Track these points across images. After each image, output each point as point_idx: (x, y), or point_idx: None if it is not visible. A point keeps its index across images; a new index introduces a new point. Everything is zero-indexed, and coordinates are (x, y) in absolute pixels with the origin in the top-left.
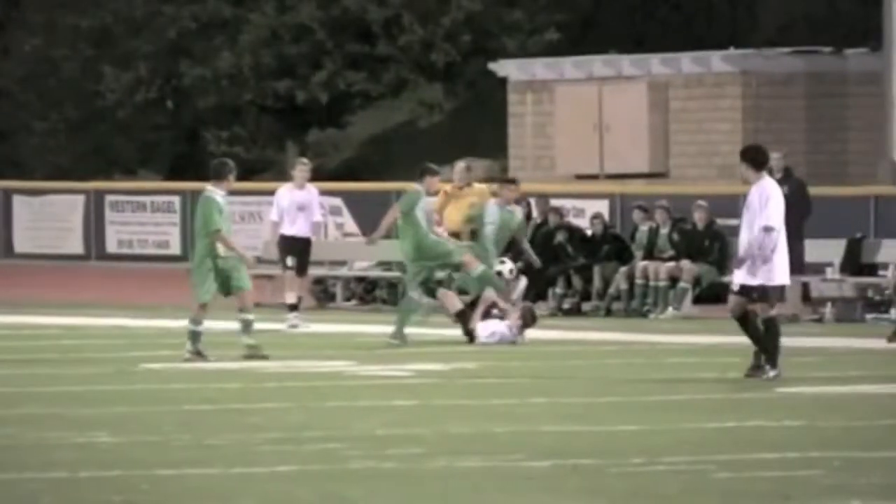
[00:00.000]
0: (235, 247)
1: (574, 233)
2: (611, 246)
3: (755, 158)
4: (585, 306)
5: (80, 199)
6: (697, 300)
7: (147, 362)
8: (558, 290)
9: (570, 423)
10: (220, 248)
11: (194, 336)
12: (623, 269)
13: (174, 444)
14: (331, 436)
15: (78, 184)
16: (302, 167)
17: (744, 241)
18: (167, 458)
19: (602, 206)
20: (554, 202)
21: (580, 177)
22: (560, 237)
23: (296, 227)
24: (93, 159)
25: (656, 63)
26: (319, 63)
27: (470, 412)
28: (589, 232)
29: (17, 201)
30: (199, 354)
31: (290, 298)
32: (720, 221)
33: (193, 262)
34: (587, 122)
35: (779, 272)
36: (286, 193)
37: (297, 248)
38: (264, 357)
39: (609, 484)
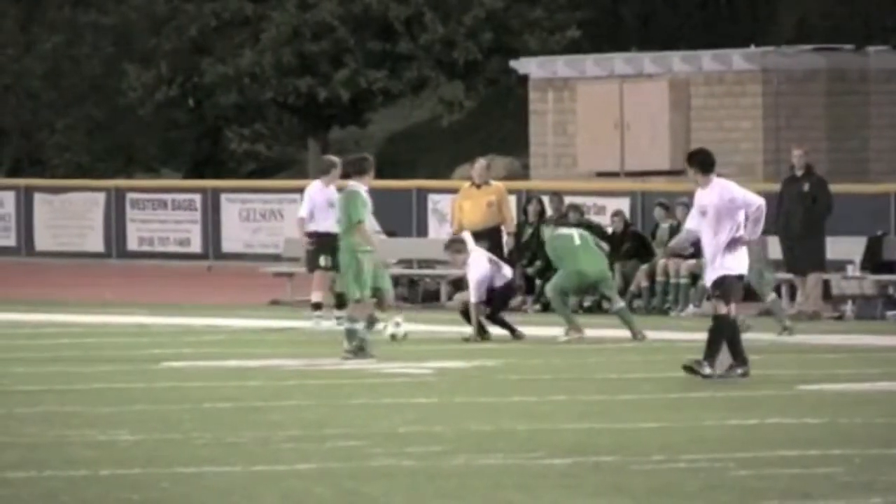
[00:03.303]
0: (374, 243)
1: (594, 230)
2: (631, 243)
3: (704, 161)
4: (606, 304)
5: (101, 196)
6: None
7: (168, 360)
8: None
9: (591, 421)
10: (360, 242)
11: (350, 334)
12: (644, 266)
13: (195, 441)
14: (351, 433)
15: (99, 181)
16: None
17: (709, 245)
18: (188, 455)
19: (623, 204)
20: (575, 199)
21: (601, 174)
22: None
23: (328, 224)
24: (114, 157)
25: (677, 61)
26: (341, 61)
27: (490, 410)
28: (609, 229)
29: (38, 199)
30: (359, 352)
31: (316, 297)
32: None
33: (341, 261)
34: (608, 119)
35: (738, 263)
36: (318, 190)
37: (330, 246)
38: (371, 356)
39: (629, 481)
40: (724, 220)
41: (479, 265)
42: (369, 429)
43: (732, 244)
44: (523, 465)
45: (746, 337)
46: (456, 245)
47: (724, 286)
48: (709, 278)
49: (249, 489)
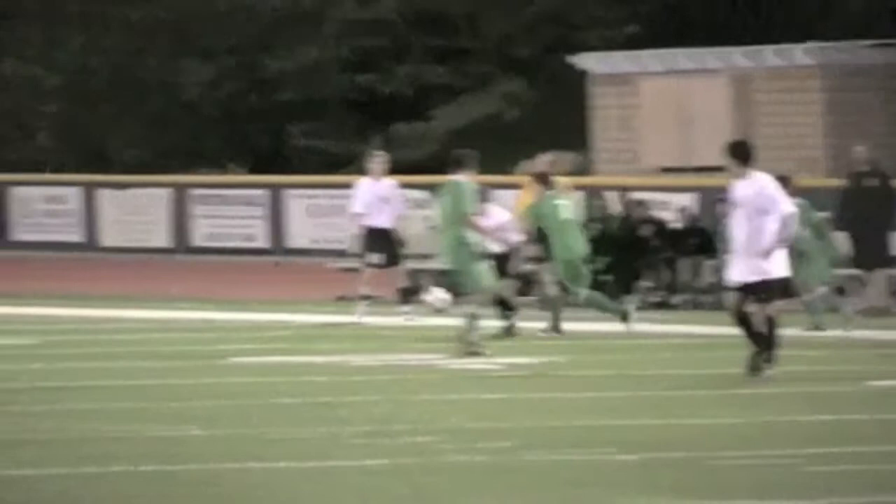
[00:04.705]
0: (487, 232)
1: (660, 226)
2: (696, 239)
3: (742, 153)
4: (673, 299)
5: (166, 192)
6: (784, 293)
7: (235, 356)
8: (645, 283)
9: (660, 417)
10: (469, 234)
11: (471, 328)
12: (710, 262)
13: (265, 437)
14: (422, 429)
15: (163, 177)
16: (378, 159)
17: (739, 237)
18: (258, 451)
19: (687, 200)
20: (639, 195)
21: (665, 170)
22: (646, 230)
23: (380, 219)
24: (177, 153)
25: (739, 56)
26: (402, 56)
27: (560, 405)
28: (675, 225)
29: (104, 195)
30: (475, 347)
31: (364, 290)
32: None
33: (450, 257)
34: (671, 115)
35: (778, 266)
36: (368, 186)
37: (382, 241)
38: (483, 353)
39: (702, 477)
40: (756, 216)
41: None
42: (439, 424)
43: (768, 247)
44: (595, 461)
45: (812, 333)
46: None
47: (770, 290)
48: (744, 276)
49: (320, 485)
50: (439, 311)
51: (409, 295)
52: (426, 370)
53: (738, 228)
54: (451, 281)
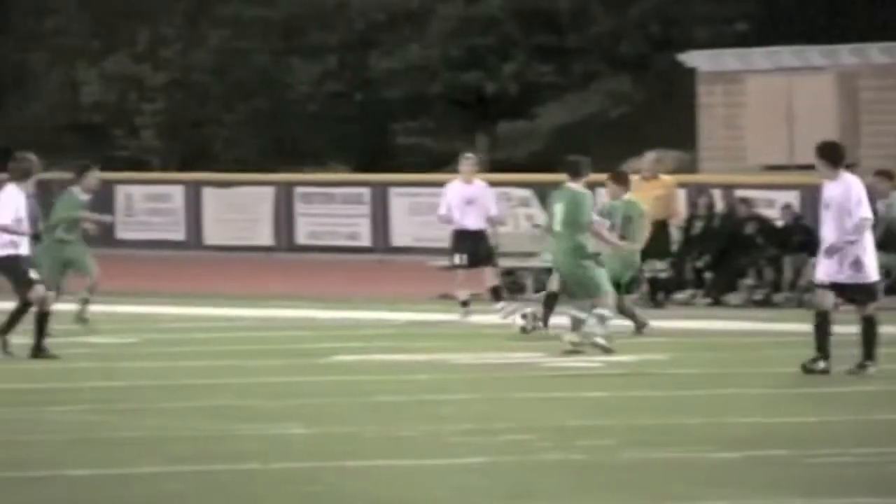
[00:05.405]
0: (610, 239)
1: (764, 224)
2: (800, 237)
3: (832, 155)
4: (776, 297)
5: (270, 190)
6: (888, 291)
7: (337, 354)
8: (749, 281)
9: (761, 415)
10: (586, 241)
11: (601, 318)
12: (813, 260)
13: (365, 435)
14: (521, 427)
15: (267, 175)
16: (466, 161)
17: (828, 237)
18: (358, 449)
19: (792, 197)
20: (744, 193)
21: (770, 167)
22: (750, 228)
23: (466, 221)
24: (281, 151)
25: (845, 54)
26: (508, 55)
27: (660, 403)
28: (779, 223)
29: (207, 193)
30: (605, 345)
31: (462, 295)
32: None
33: (566, 263)
34: (777, 112)
35: (870, 269)
36: (455, 188)
37: (467, 243)
38: (611, 351)
39: (800, 475)
40: (845, 217)
41: None
42: (539, 422)
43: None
44: (693, 459)
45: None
46: None
47: (872, 290)
48: (835, 277)
49: (419, 483)
50: (525, 331)
51: (500, 293)
52: (527, 368)
53: (827, 229)
54: (564, 286)
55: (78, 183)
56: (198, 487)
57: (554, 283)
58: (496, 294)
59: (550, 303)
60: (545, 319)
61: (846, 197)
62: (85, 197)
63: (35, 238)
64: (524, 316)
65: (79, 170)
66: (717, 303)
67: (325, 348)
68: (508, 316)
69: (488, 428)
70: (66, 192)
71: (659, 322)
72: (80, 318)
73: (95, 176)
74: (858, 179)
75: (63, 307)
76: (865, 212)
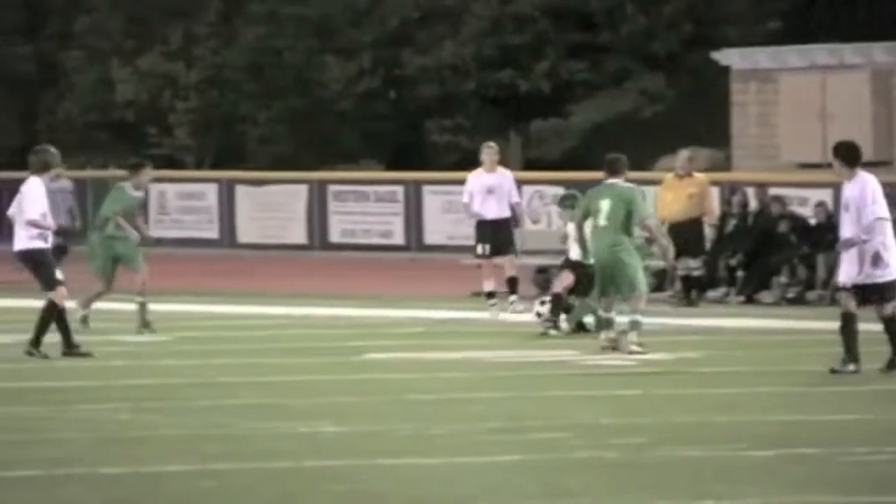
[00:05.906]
0: (660, 237)
1: (797, 222)
2: (834, 235)
3: (848, 155)
4: (810, 295)
5: (304, 188)
6: None
7: (370, 352)
8: (782, 279)
9: (793, 413)
10: (627, 238)
11: (635, 325)
12: None
13: (397, 433)
14: (553, 425)
15: (301, 173)
16: (488, 150)
17: (847, 238)
18: (390, 447)
19: (825, 195)
20: (777, 191)
21: (803, 165)
22: (783, 226)
23: (486, 210)
24: (315, 149)
25: (879, 51)
26: (541, 53)
27: (693, 401)
28: (812, 221)
29: (241, 191)
30: (641, 351)
31: (487, 286)
32: None
33: (609, 259)
34: (810, 110)
35: (890, 266)
36: (475, 177)
37: (489, 231)
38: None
39: (833, 473)
40: (863, 217)
41: None
42: (571, 420)
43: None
44: (726, 457)
45: None
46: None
47: (883, 292)
48: (855, 279)
49: (450, 481)
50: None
51: (516, 285)
52: (560, 366)
53: (846, 230)
54: (600, 282)
55: (130, 179)
56: (231, 485)
57: (558, 284)
58: (512, 285)
59: (557, 303)
60: (555, 320)
61: (862, 196)
62: (137, 193)
63: (64, 234)
64: (539, 315)
65: (132, 167)
66: (750, 301)
67: (357, 346)
68: (517, 312)
69: (519, 426)
70: (116, 188)
71: (692, 320)
72: (144, 322)
73: (148, 173)
74: (874, 178)
75: (109, 306)
76: (880, 211)
